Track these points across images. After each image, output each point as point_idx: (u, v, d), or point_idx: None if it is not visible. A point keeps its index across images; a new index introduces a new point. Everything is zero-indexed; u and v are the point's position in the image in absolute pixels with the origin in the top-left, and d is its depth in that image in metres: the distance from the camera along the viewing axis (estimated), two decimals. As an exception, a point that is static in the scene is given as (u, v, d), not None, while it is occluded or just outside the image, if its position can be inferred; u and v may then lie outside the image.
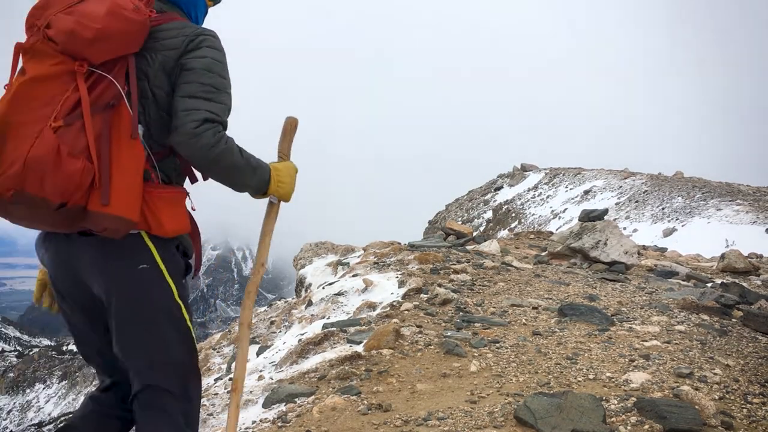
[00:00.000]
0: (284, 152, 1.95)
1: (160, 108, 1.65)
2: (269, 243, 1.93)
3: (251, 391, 3.53)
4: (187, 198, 1.73)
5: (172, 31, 1.66)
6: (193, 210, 1.76)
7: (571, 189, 23.01)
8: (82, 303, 1.72)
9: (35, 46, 1.52)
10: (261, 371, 4.08)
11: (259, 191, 1.80)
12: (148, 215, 1.59)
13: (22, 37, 1.58)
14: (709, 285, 5.97)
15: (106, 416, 1.83)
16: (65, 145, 1.44)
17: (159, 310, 1.67)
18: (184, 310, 1.72)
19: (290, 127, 1.99)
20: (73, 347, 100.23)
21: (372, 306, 4.82)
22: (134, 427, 1.74)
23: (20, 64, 1.54)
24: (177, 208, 1.68)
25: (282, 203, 1.91)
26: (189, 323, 1.75)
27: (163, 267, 1.67)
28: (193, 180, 1.82)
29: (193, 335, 1.77)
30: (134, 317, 1.64)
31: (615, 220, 16.19)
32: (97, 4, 1.55)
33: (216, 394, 3.75)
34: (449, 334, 3.92)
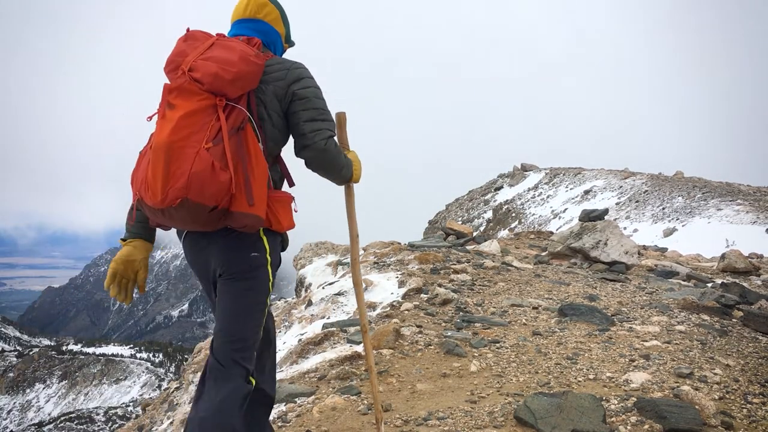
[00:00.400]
0: (345, 143, 2.37)
1: (275, 126, 2.05)
2: (355, 218, 2.45)
3: (251, 391, 3.53)
4: (293, 201, 2.12)
5: (275, 66, 2.07)
6: (296, 212, 2.13)
7: (571, 189, 23.02)
8: (210, 285, 2.11)
9: (183, 86, 1.89)
10: (261, 371, 4.08)
11: (347, 180, 2.27)
12: (269, 215, 2.00)
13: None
14: (710, 285, 5.97)
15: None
16: (217, 162, 1.81)
17: (255, 293, 2.03)
18: (269, 299, 2.09)
19: (343, 121, 2.36)
20: (72, 347, 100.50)
21: (372, 306, 4.82)
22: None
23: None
24: (288, 209, 2.08)
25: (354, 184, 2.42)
26: (268, 306, 2.10)
27: (269, 258, 2.06)
28: (291, 184, 2.20)
29: (261, 320, 2.08)
30: (235, 293, 2.01)
31: (615, 220, 16.19)
32: (227, 52, 1.96)
33: (216, 394, 3.75)
34: (449, 334, 3.92)
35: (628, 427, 2.43)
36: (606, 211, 7.74)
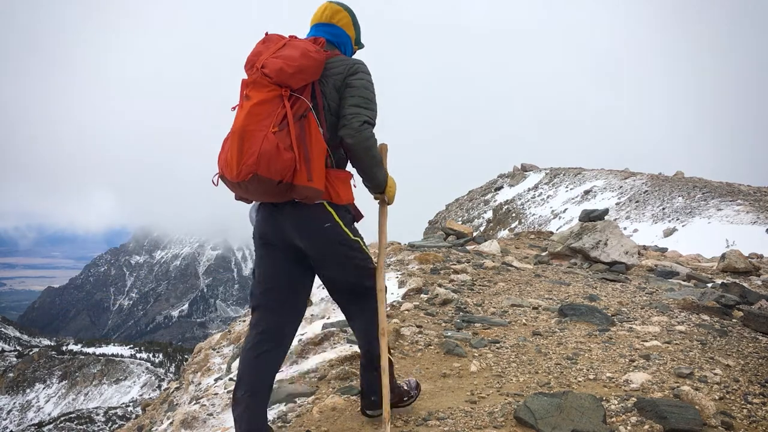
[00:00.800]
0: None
1: (333, 115, 2.40)
2: (386, 233, 2.67)
3: (251, 391, 3.53)
4: (352, 178, 2.49)
5: (337, 62, 2.44)
6: (355, 187, 2.49)
7: (571, 189, 23.02)
8: (284, 249, 2.46)
9: (257, 80, 2.26)
10: (261, 371, 4.07)
11: (379, 187, 2.55)
12: (329, 189, 2.36)
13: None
14: (710, 285, 5.97)
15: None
16: (281, 143, 2.17)
17: (344, 249, 2.45)
18: (359, 240, 2.51)
19: (384, 151, 2.61)
20: (72, 347, 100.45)
21: (372, 306, 4.82)
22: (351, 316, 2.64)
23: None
24: (347, 185, 2.45)
25: (388, 205, 2.66)
26: (363, 245, 2.53)
27: (339, 221, 2.42)
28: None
29: (369, 251, 2.55)
30: (331, 260, 2.47)
31: (615, 220, 16.18)
32: (293, 50, 2.32)
33: (216, 394, 3.74)
34: (449, 334, 3.92)
35: (629, 428, 2.43)
36: (606, 211, 7.74)
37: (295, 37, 2.45)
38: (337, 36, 2.58)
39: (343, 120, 2.35)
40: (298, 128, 2.25)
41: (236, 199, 2.45)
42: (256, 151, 2.14)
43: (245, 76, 2.35)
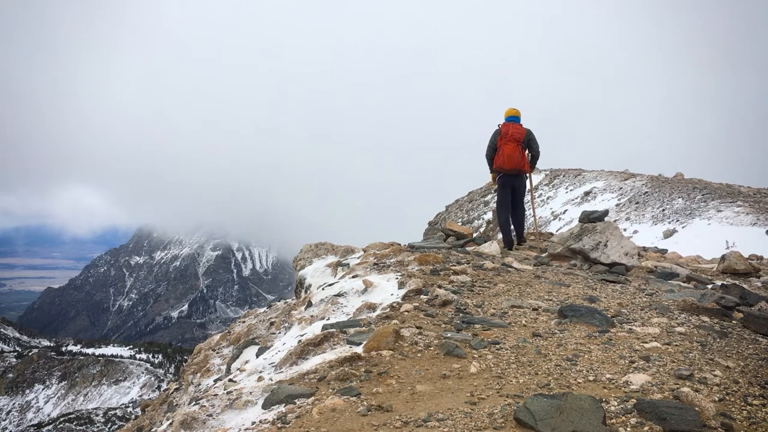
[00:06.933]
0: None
1: (524, 147, 8.33)
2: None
3: (251, 392, 3.52)
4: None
5: (527, 132, 8.35)
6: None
7: (571, 190, 23.02)
8: (510, 188, 8.49)
9: (510, 140, 8.20)
10: (260, 372, 4.07)
11: (534, 165, 8.89)
12: (528, 170, 8.45)
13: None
14: (710, 286, 5.96)
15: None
16: (523, 159, 8.28)
17: (524, 186, 8.62)
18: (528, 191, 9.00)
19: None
20: (72, 348, 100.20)
21: (372, 307, 4.82)
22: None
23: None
24: (528, 167, 8.46)
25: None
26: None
27: (531, 183, 8.94)
28: (533, 166, 8.79)
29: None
30: (520, 190, 8.59)
31: (615, 221, 16.18)
32: (520, 129, 8.27)
33: (215, 395, 3.74)
34: (449, 335, 3.91)
35: (628, 429, 2.43)
36: (606, 213, 7.73)
37: (515, 124, 8.26)
38: (520, 121, 8.39)
39: (532, 151, 8.23)
40: (523, 155, 8.14)
41: (502, 171, 8.25)
42: (518, 161, 8.09)
43: (501, 134, 8.22)
